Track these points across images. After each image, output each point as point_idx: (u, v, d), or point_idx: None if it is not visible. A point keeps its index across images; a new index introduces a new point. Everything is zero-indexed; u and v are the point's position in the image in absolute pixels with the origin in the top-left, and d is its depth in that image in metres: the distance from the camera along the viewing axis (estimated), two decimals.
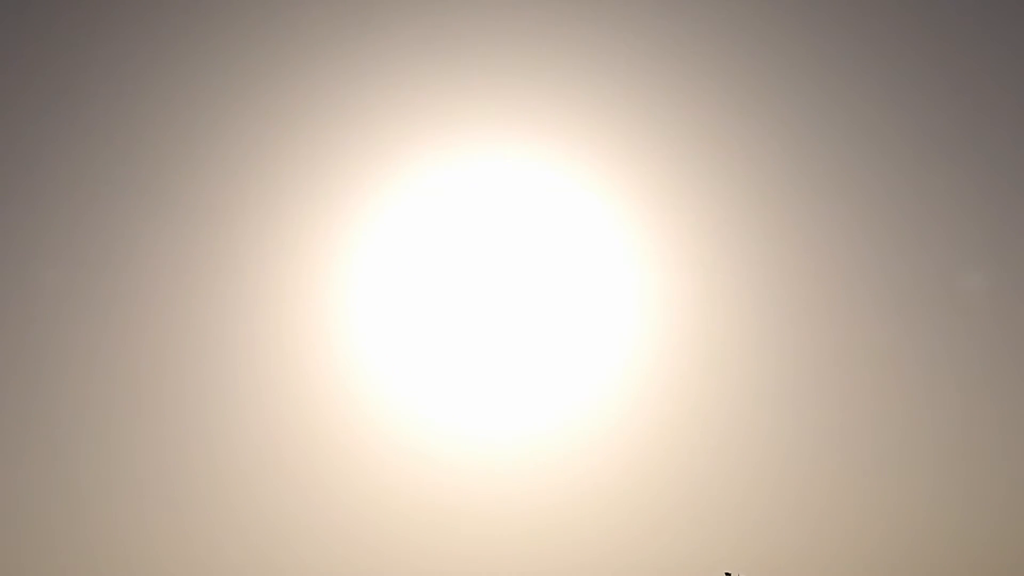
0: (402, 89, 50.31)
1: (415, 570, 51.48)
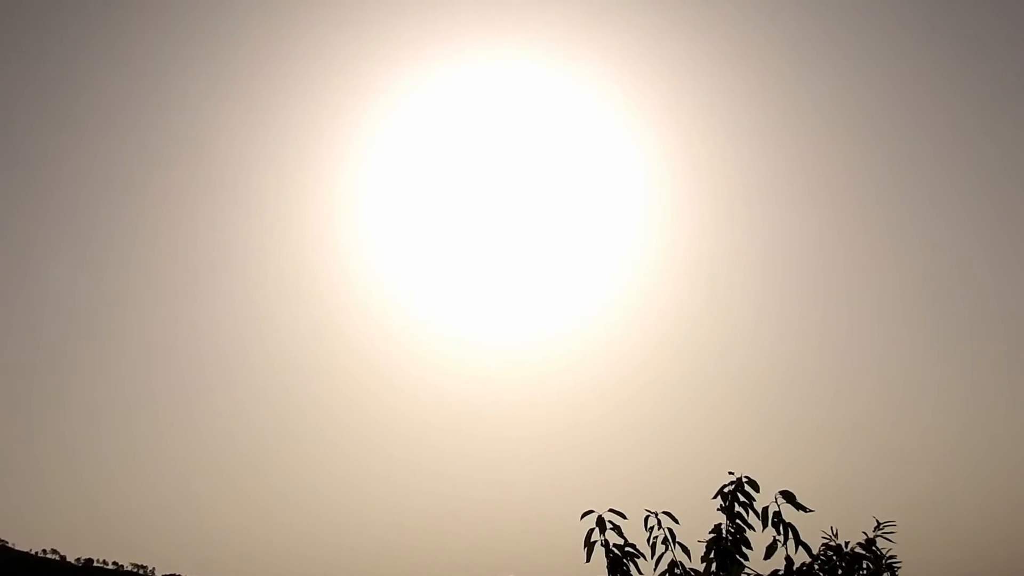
0: None
1: (425, 471, 54.64)
